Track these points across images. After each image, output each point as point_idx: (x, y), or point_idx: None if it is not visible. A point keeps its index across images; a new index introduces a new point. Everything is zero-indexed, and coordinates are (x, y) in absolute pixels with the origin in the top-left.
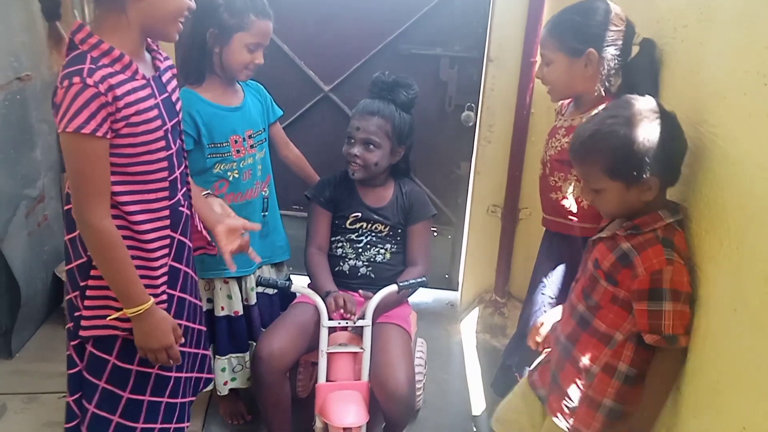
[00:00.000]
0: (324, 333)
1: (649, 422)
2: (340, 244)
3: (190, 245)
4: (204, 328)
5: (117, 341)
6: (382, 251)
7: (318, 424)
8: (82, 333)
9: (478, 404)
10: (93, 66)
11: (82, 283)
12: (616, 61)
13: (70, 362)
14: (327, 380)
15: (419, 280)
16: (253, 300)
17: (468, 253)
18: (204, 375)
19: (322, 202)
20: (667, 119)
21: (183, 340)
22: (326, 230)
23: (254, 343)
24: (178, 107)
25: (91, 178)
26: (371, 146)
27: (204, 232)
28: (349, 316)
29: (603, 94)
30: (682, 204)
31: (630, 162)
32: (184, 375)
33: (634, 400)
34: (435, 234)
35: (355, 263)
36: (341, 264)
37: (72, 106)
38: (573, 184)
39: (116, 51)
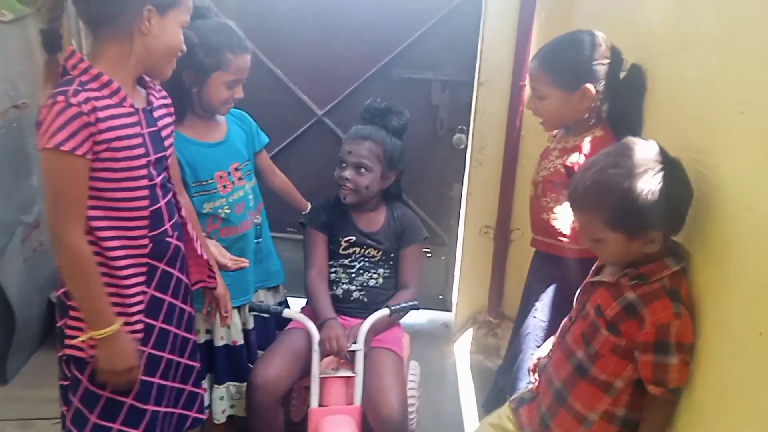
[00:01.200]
0: (316, 358)
1: None
2: (333, 269)
3: (182, 277)
4: (197, 364)
5: (89, 364)
6: (375, 276)
7: None
8: (65, 351)
9: (471, 425)
10: (79, 88)
11: (68, 303)
12: (607, 89)
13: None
14: (320, 405)
15: (411, 303)
16: (251, 324)
17: (461, 274)
18: (192, 413)
19: (317, 225)
20: (671, 167)
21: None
22: (324, 253)
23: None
24: (167, 143)
25: (67, 196)
26: (362, 170)
27: (206, 259)
28: (342, 362)
29: (594, 119)
30: (683, 246)
31: (632, 216)
32: (162, 409)
33: None
34: (428, 255)
35: (348, 287)
36: (334, 288)
37: (54, 123)
38: (564, 204)
39: (105, 76)
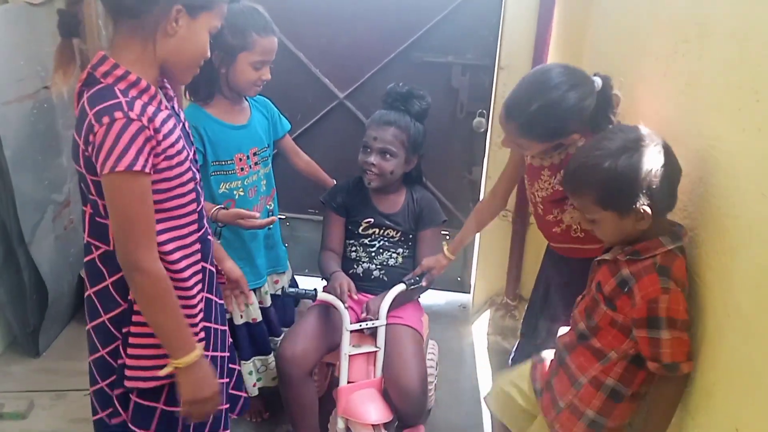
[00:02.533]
0: (346, 336)
1: None
2: (353, 248)
3: (214, 271)
4: (228, 354)
5: (164, 389)
6: (395, 255)
7: (340, 426)
8: (127, 384)
9: None
10: (127, 98)
11: (123, 331)
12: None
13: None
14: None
15: (429, 277)
16: (268, 302)
17: (480, 257)
18: (242, 393)
19: (334, 207)
20: (653, 147)
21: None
22: (339, 235)
23: (278, 341)
24: (191, 136)
25: (141, 219)
26: (388, 155)
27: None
28: (365, 316)
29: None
30: (685, 228)
31: (618, 193)
32: (223, 407)
33: (618, 416)
34: (447, 238)
35: (369, 266)
36: (355, 267)
37: (118, 143)
38: (570, 211)
39: (143, 82)
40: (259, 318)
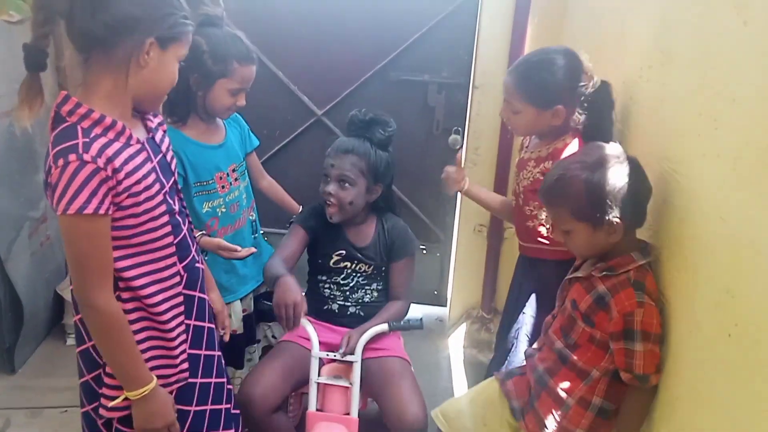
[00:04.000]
0: (314, 363)
1: None
2: (327, 286)
3: (206, 299)
4: (224, 380)
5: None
6: (369, 291)
7: None
8: (103, 413)
9: None
10: (87, 139)
11: (103, 360)
12: (581, 107)
13: None
14: (318, 409)
15: (416, 323)
16: (252, 308)
17: (456, 270)
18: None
19: (305, 227)
20: (628, 164)
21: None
22: (298, 250)
23: (255, 348)
24: (173, 166)
25: (94, 259)
26: (346, 184)
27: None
28: (297, 320)
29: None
30: (652, 244)
31: (593, 204)
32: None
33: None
34: (424, 252)
35: (344, 303)
36: (330, 303)
37: (71, 186)
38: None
39: (108, 119)
40: (240, 330)
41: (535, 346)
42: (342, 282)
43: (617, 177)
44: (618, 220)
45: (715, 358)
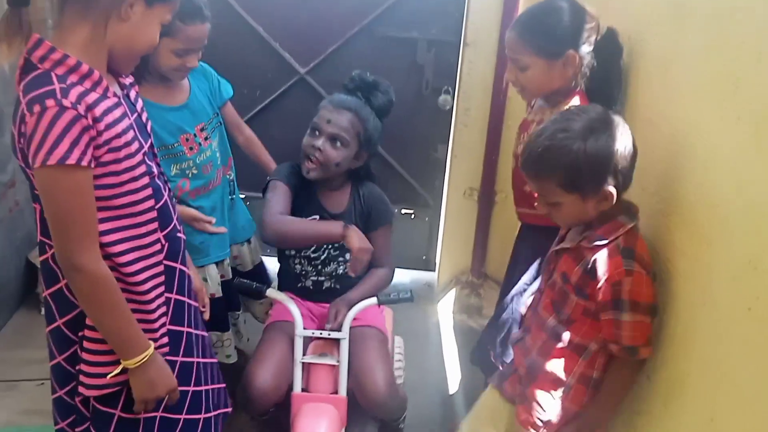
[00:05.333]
0: (299, 342)
1: (599, 424)
2: (297, 261)
3: (188, 272)
4: (215, 360)
5: (122, 394)
6: (343, 262)
7: None
8: (82, 391)
9: (454, 383)
10: (64, 85)
11: (78, 335)
12: (591, 56)
13: (78, 418)
14: (304, 390)
15: (405, 296)
16: (230, 275)
17: (445, 235)
18: (224, 410)
19: (286, 182)
20: (616, 126)
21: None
22: (287, 203)
23: (237, 314)
24: (148, 128)
25: (77, 217)
26: (338, 143)
27: None
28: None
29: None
30: (635, 204)
31: (586, 175)
32: (210, 414)
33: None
34: (412, 216)
35: (317, 279)
36: (303, 281)
37: (50, 134)
38: None
39: (84, 66)
40: (219, 294)
41: (519, 330)
42: (312, 256)
43: (608, 143)
44: (612, 188)
45: (733, 334)
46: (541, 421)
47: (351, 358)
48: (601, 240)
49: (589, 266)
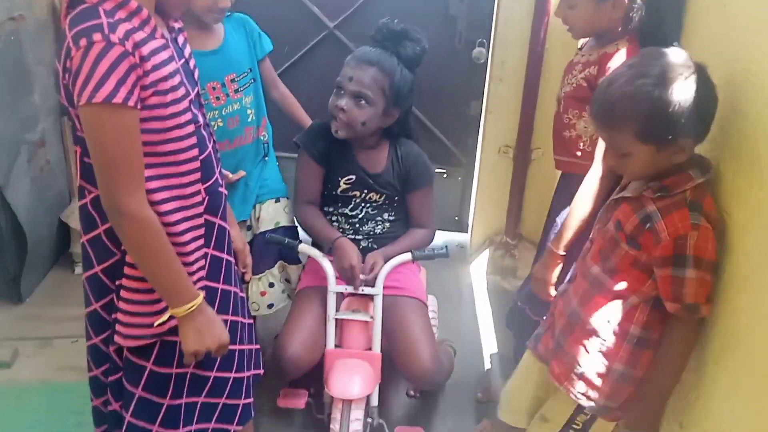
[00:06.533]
0: (332, 298)
1: (663, 391)
2: (334, 218)
3: (228, 229)
4: (252, 321)
5: (155, 347)
6: (381, 222)
7: (326, 389)
8: (118, 340)
9: (489, 343)
10: (111, 20)
11: (116, 284)
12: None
13: (111, 368)
14: (338, 346)
15: (441, 251)
16: (249, 237)
17: (478, 195)
18: (258, 371)
19: (314, 154)
20: (699, 74)
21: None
22: (317, 186)
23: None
24: (196, 76)
25: (126, 159)
26: (362, 101)
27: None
28: (357, 281)
29: (627, 28)
30: (710, 160)
31: (665, 125)
32: (245, 374)
33: (646, 364)
34: (445, 176)
35: (354, 237)
36: None
37: (96, 70)
38: (584, 119)
39: (133, 2)
40: (231, 258)
41: (566, 281)
42: (350, 213)
43: (689, 91)
44: (690, 140)
45: None
46: (576, 375)
47: (393, 330)
48: (665, 191)
49: (649, 215)
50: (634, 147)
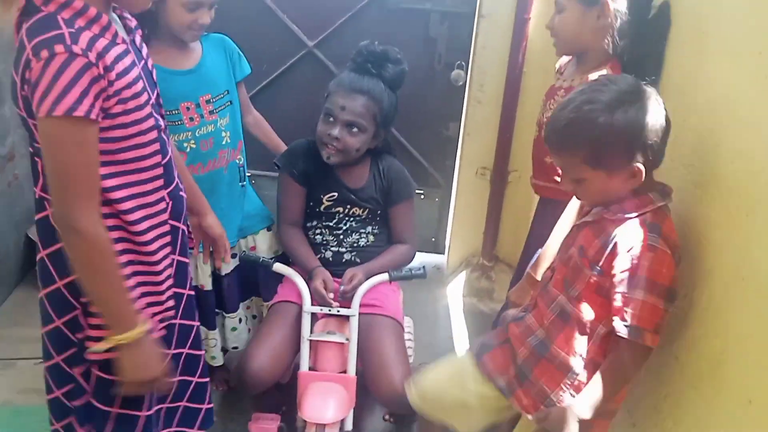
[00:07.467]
0: (306, 319)
1: (592, 408)
2: (318, 231)
3: (186, 231)
4: (198, 324)
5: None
6: (364, 235)
7: (299, 413)
8: (89, 356)
9: None
10: (72, 30)
11: (81, 301)
12: (626, 17)
13: (74, 391)
14: (312, 369)
15: (417, 271)
16: (228, 269)
17: (455, 216)
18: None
19: (295, 174)
20: (647, 98)
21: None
22: (300, 206)
23: (227, 317)
24: (154, 76)
25: (80, 173)
26: (355, 129)
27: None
28: (333, 302)
29: (609, 52)
30: (668, 186)
31: (612, 151)
32: (200, 379)
33: (619, 399)
34: (422, 197)
35: (338, 249)
36: (323, 251)
37: (57, 82)
38: None
39: (92, 9)
40: (208, 287)
41: (520, 309)
42: (334, 226)
43: (643, 116)
44: (641, 165)
45: None
46: (547, 407)
47: (367, 350)
48: (626, 213)
49: (609, 237)
50: (586, 173)
